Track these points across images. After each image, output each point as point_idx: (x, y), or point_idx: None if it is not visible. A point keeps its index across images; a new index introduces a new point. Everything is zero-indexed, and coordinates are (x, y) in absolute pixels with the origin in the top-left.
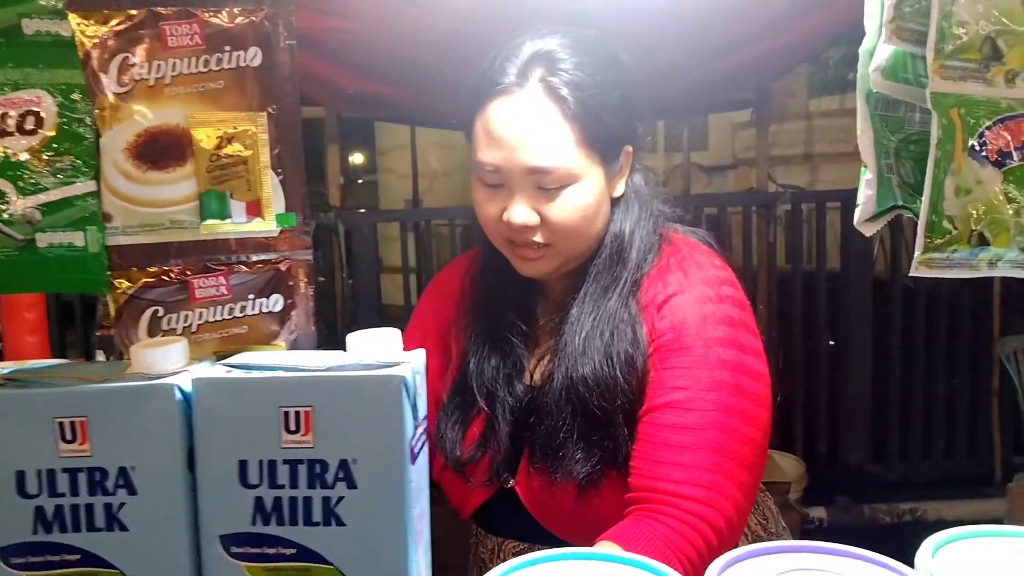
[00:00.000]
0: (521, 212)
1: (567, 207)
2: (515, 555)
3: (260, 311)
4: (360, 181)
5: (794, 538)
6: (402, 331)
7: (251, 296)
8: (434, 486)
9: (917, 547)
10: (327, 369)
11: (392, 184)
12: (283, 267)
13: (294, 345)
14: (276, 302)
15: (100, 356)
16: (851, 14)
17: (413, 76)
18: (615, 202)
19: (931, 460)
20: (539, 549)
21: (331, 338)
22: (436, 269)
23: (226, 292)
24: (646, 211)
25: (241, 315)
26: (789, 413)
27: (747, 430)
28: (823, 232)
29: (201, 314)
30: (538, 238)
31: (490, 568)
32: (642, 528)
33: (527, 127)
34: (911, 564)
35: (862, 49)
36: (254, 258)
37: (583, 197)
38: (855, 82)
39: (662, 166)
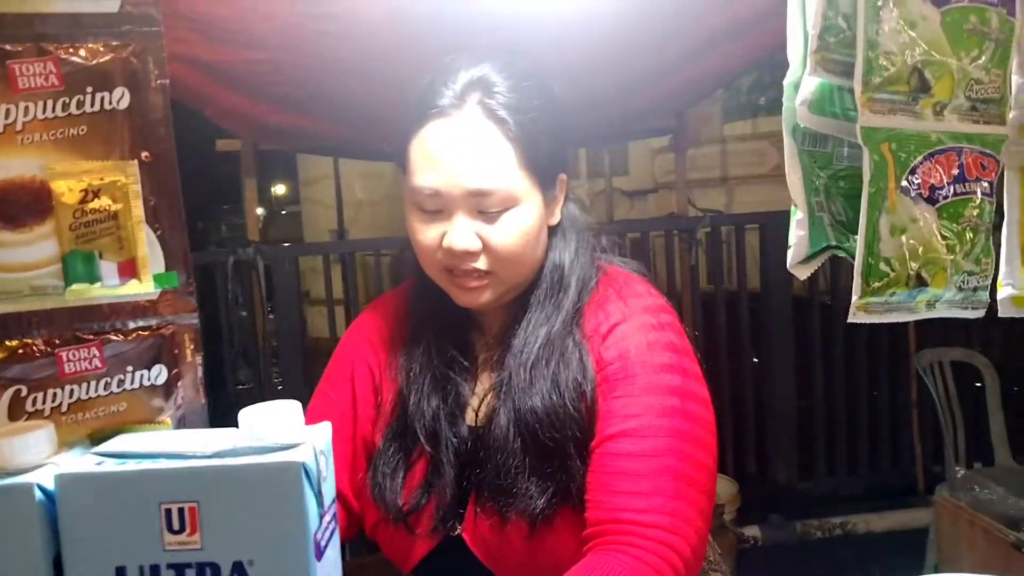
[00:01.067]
0: (463, 237)
1: (509, 231)
2: None
3: (141, 384)
4: (284, 212)
5: (730, 559)
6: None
7: (130, 368)
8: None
9: (850, 560)
10: (214, 455)
11: (317, 214)
12: (166, 333)
13: (181, 422)
14: (159, 373)
15: None
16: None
17: (332, 107)
18: (551, 231)
19: (857, 474)
20: None
21: (253, 376)
22: (363, 299)
23: (100, 365)
24: (583, 241)
25: (119, 390)
26: (719, 433)
27: (701, 455)
28: (743, 253)
29: (72, 391)
30: (480, 264)
31: None
32: (609, 562)
33: (467, 148)
34: None
35: (786, 82)
36: (131, 325)
37: (525, 221)
38: (766, 107)
39: (586, 191)
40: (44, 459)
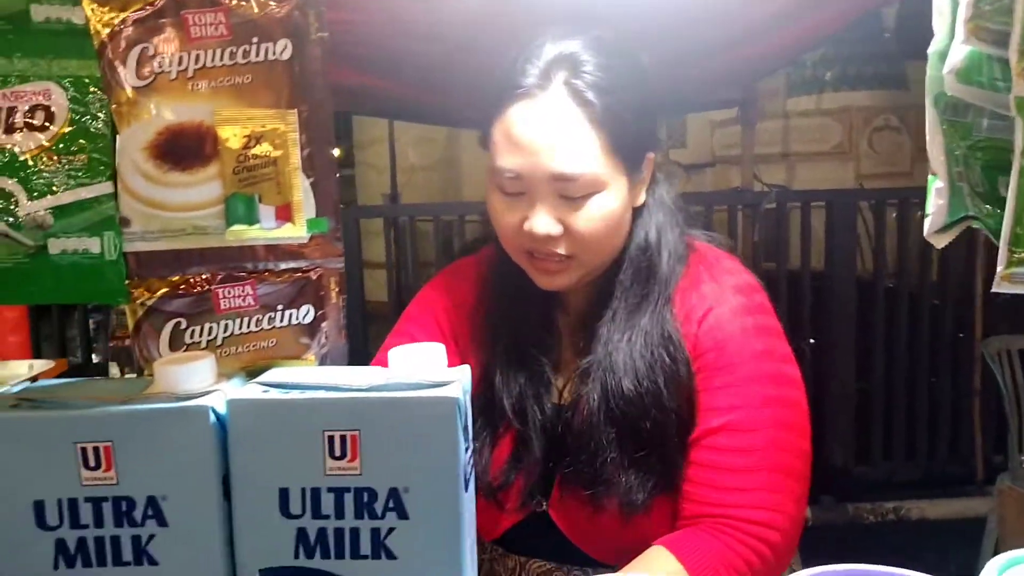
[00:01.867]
0: (544, 222)
1: (592, 217)
2: (542, 574)
3: (289, 323)
4: (337, 175)
5: None
6: (387, 329)
7: (280, 307)
8: None
9: (901, 546)
10: (372, 389)
11: (370, 178)
12: (313, 276)
13: (324, 360)
14: (306, 313)
15: (114, 368)
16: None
17: (401, 69)
18: (636, 211)
19: (914, 460)
20: (569, 569)
21: None
22: (415, 265)
23: (253, 303)
24: (671, 220)
25: (269, 327)
26: None
27: (798, 442)
28: (808, 231)
29: (226, 326)
30: (561, 249)
31: None
32: (697, 541)
33: (551, 132)
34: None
35: (931, 51)
36: (283, 266)
37: (608, 206)
38: (831, 82)
39: None
40: (207, 387)
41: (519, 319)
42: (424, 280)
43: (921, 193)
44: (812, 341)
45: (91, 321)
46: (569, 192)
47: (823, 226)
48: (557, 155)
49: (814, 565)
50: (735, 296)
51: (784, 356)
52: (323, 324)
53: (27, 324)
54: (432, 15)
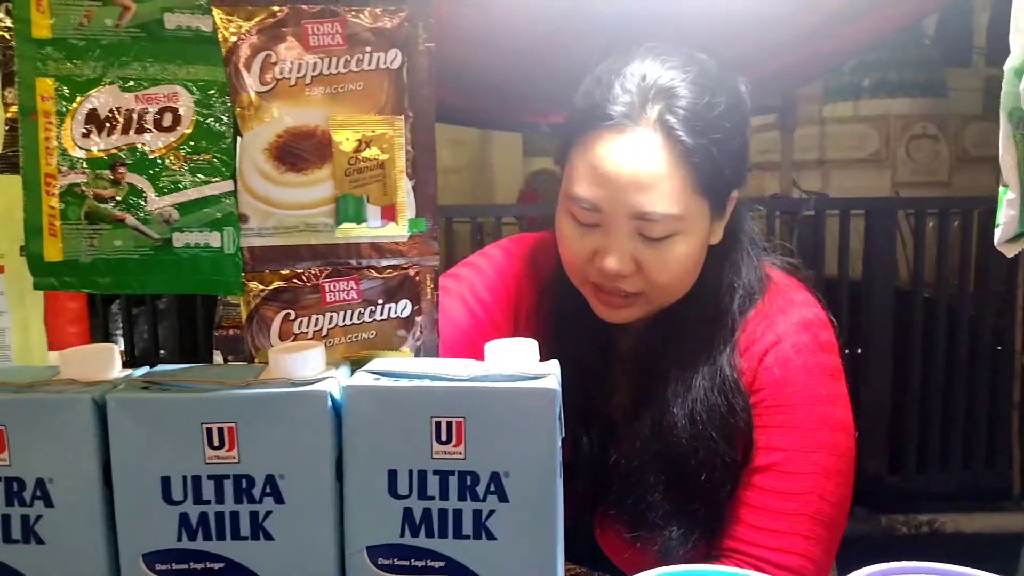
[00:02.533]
0: (619, 259)
1: (669, 260)
2: None
3: (388, 316)
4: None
5: None
6: None
7: (380, 301)
8: None
9: (935, 558)
10: (475, 379)
11: None
12: (411, 273)
13: (418, 352)
14: (404, 307)
15: (218, 357)
16: (880, 27)
17: (450, 75)
18: (711, 249)
19: (949, 472)
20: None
21: None
22: (450, 266)
23: (356, 296)
24: (748, 259)
25: (370, 320)
26: None
27: (841, 491)
28: (847, 239)
29: (332, 318)
30: (629, 287)
31: None
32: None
33: (639, 169)
34: None
35: (1007, 67)
36: (384, 263)
37: (688, 248)
38: (869, 89)
39: None
40: (319, 374)
41: (576, 335)
42: None
43: (961, 203)
44: (848, 351)
45: (133, 311)
46: (648, 232)
47: (860, 234)
48: (642, 193)
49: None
50: (800, 334)
51: (842, 400)
52: (419, 318)
53: (87, 315)
54: (479, 19)
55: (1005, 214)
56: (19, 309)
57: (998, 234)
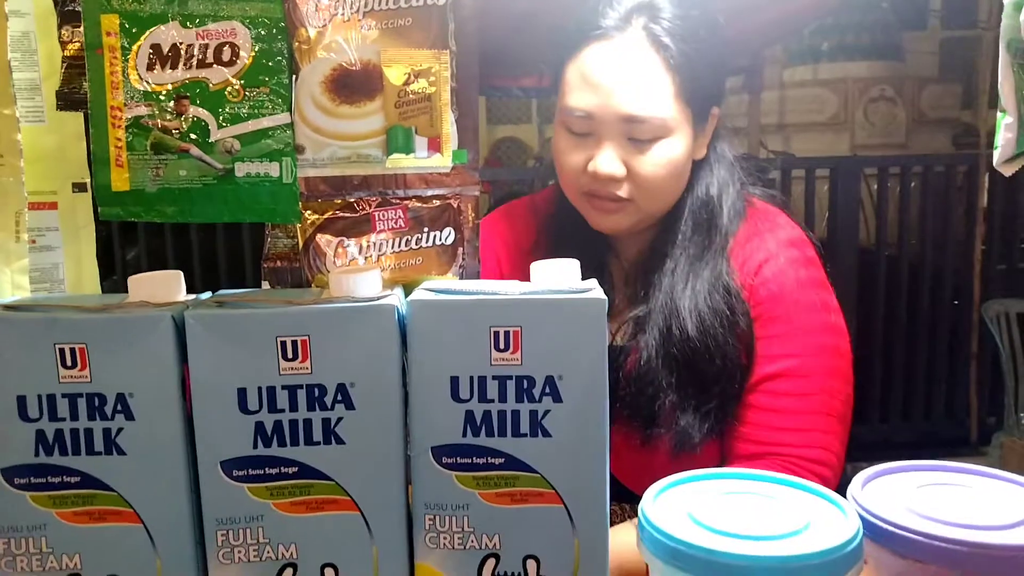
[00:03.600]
0: (610, 162)
1: (657, 161)
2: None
3: (434, 243)
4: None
5: None
6: None
7: (426, 229)
8: None
9: None
10: (528, 293)
11: None
12: (454, 202)
13: (462, 276)
14: (448, 235)
15: (266, 286)
16: None
17: None
18: (697, 164)
19: (910, 422)
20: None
21: None
22: None
23: (404, 224)
24: (731, 175)
25: (417, 247)
26: None
27: (845, 388)
28: (812, 198)
29: (381, 245)
30: (622, 192)
31: None
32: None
33: (626, 73)
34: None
35: (1007, 1)
36: (428, 193)
37: (673, 152)
38: (828, 53)
39: None
40: (376, 294)
41: (579, 258)
42: None
43: (921, 161)
44: None
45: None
46: (637, 134)
47: (826, 195)
48: (629, 95)
49: None
50: (789, 249)
51: (834, 308)
52: (462, 245)
53: None
54: None
55: (1003, 137)
56: (72, 244)
57: (996, 155)
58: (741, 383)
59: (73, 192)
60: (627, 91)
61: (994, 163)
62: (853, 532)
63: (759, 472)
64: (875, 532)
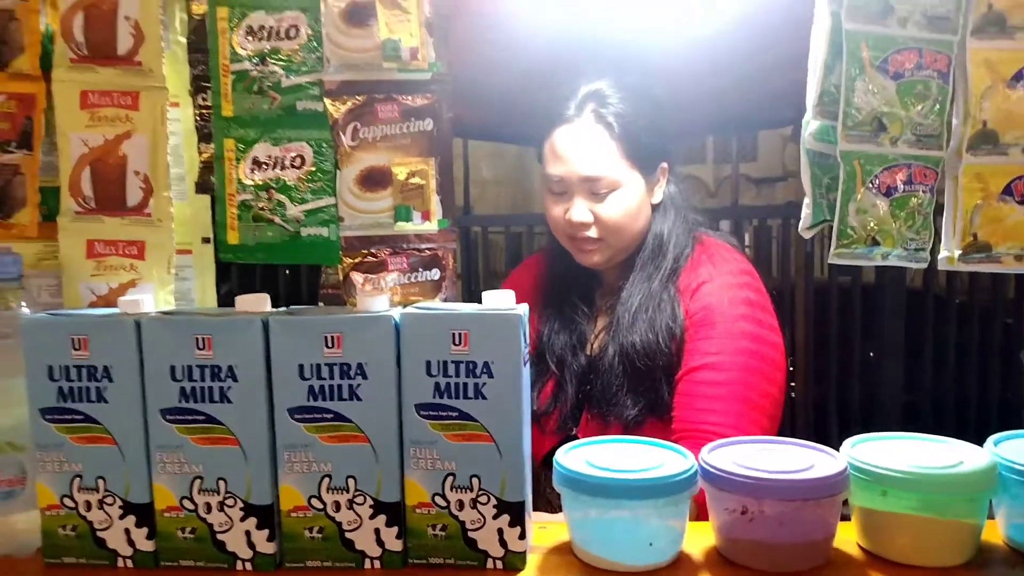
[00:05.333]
0: (579, 211)
1: (615, 208)
2: None
3: (426, 279)
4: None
5: None
6: None
7: (420, 269)
8: None
9: None
10: (476, 310)
11: None
12: (439, 253)
13: (445, 300)
14: (435, 273)
15: (321, 305)
16: None
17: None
18: (655, 208)
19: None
20: None
21: None
22: (487, 274)
23: (406, 267)
24: (680, 216)
25: (413, 281)
26: (824, 422)
27: (765, 386)
28: None
29: (391, 280)
30: (592, 233)
31: (557, 504)
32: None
33: (582, 146)
34: None
35: (803, 120)
36: (423, 246)
37: (627, 200)
38: None
39: (711, 177)
40: (386, 310)
41: (565, 293)
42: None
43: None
44: (872, 355)
45: None
46: (596, 189)
47: None
48: (586, 162)
49: None
50: (725, 275)
51: (761, 322)
52: (444, 281)
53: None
54: (502, 54)
55: (804, 212)
56: (200, 278)
57: (800, 225)
58: (669, 376)
59: (201, 244)
60: (584, 159)
61: (799, 229)
62: (688, 467)
63: (644, 438)
64: (707, 475)
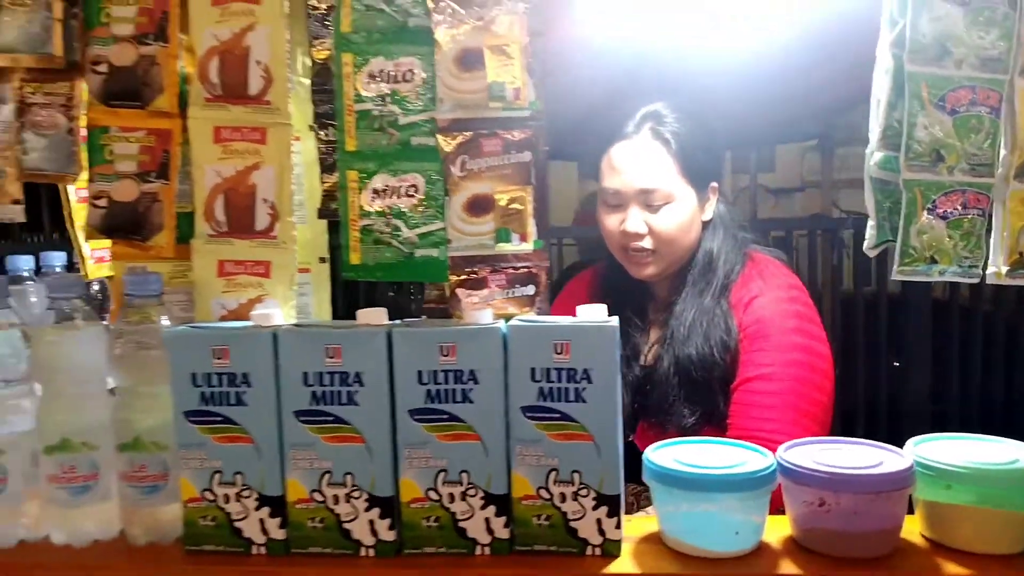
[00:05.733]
0: (634, 223)
1: (668, 220)
2: (631, 494)
3: (522, 294)
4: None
5: None
6: None
7: (517, 285)
8: None
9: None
10: (576, 322)
11: None
12: (534, 270)
13: (538, 314)
14: (530, 289)
15: (424, 318)
16: None
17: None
18: (705, 225)
19: None
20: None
21: None
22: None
23: (505, 283)
24: (729, 234)
25: (511, 296)
26: (852, 432)
27: (816, 395)
28: (884, 257)
29: (492, 294)
30: (646, 244)
31: None
32: None
33: (640, 160)
34: None
35: (867, 151)
36: (519, 264)
37: (680, 214)
38: None
39: (728, 187)
40: (490, 322)
41: (620, 307)
42: None
43: None
44: (896, 364)
45: None
46: (651, 201)
47: None
48: (643, 175)
49: None
50: (776, 290)
51: (812, 334)
52: (537, 296)
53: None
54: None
55: (868, 232)
56: (317, 293)
57: (865, 244)
58: (724, 385)
59: (318, 263)
60: (642, 172)
61: (864, 248)
62: (769, 464)
63: (721, 439)
64: (787, 471)
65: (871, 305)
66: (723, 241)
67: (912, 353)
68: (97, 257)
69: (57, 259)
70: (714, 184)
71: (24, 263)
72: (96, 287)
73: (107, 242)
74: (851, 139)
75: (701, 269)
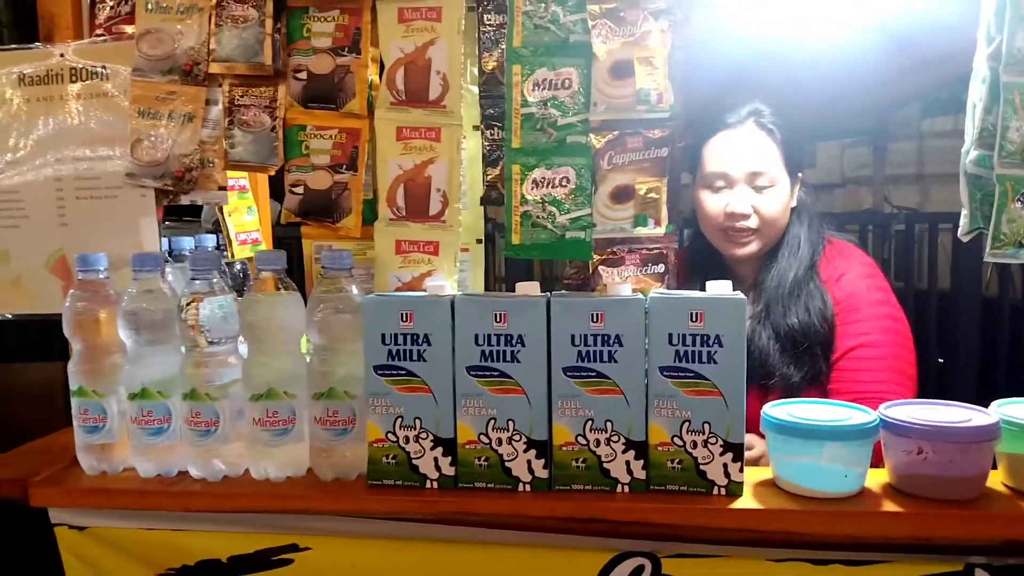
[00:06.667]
0: (741, 204)
1: (772, 202)
2: None
3: (654, 272)
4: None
5: None
6: None
7: (649, 264)
8: None
9: None
10: (708, 296)
11: None
12: (664, 251)
13: (668, 288)
14: (660, 268)
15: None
16: (961, 71)
17: None
18: (792, 210)
19: None
20: None
21: None
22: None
23: (639, 262)
24: (813, 220)
25: (644, 273)
26: None
27: (909, 356)
28: (935, 252)
29: (628, 271)
30: (751, 224)
31: None
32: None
33: (749, 145)
34: None
35: (963, 149)
36: (652, 246)
37: (781, 197)
38: (965, 105)
39: None
40: (631, 295)
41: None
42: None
43: None
44: (940, 360)
45: None
46: (758, 183)
47: (948, 249)
48: (752, 159)
49: None
50: (858, 267)
51: (895, 304)
52: (667, 274)
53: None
54: None
55: (962, 219)
56: (474, 269)
57: (959, 230)
58: (824, 350)
59: (476, 243)
60: (750, 155)
61: (959, 234)
62: (873, 419)
63: (831, 400)
64: (889, 425)
65: (920, 301)
66: (808, 226)
67: (960, 349)
68: (241, 240)
69: (208, 241)
70: (800, 174)
71: (186, 243)
72: (238, 267)
73: (252, 226)
74: (902, 135)
75: (790, 251)
